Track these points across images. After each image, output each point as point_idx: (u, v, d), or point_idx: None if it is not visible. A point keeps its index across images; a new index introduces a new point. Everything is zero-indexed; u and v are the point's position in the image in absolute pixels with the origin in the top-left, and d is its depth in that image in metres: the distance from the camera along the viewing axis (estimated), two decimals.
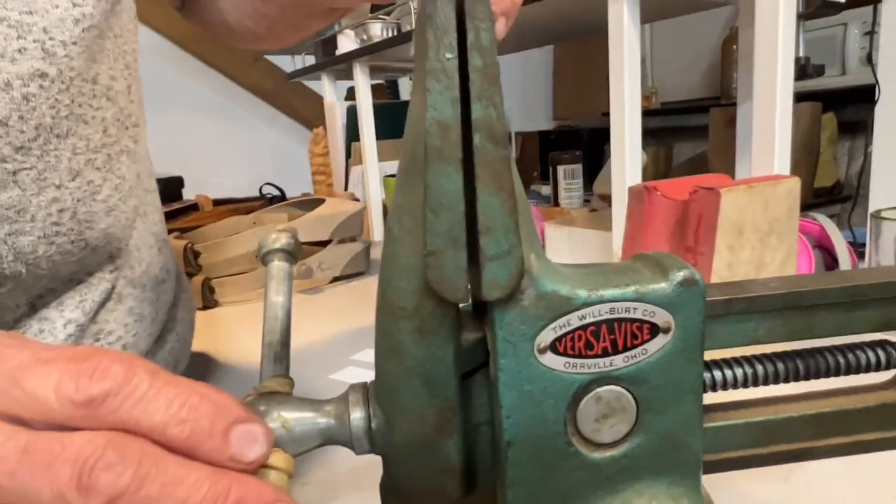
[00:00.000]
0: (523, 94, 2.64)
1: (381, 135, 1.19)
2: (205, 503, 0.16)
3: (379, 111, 1.18)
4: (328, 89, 1.26)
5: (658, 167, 2.00)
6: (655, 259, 0.21)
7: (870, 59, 1.75)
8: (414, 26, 0.24)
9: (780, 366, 0.22)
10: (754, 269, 0.48)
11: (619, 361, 0.20)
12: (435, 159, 0.17)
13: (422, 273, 0.18)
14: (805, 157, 1.66)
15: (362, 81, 1.14)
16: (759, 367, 0.22)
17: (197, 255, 0.82)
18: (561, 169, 0.97)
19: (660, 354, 0.20)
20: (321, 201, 0.93)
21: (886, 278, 0.22)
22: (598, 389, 0.20)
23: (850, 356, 0.22)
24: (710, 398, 0.22)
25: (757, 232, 0.47)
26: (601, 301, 0.19)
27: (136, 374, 0.17)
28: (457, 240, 0.17)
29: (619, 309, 0.20)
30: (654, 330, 0.20)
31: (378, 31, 1.12)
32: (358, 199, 1.17)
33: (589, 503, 0.21)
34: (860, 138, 1.88)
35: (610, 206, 0.70)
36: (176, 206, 1.08)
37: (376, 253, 1.08)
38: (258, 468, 0.19)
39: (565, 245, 0.82)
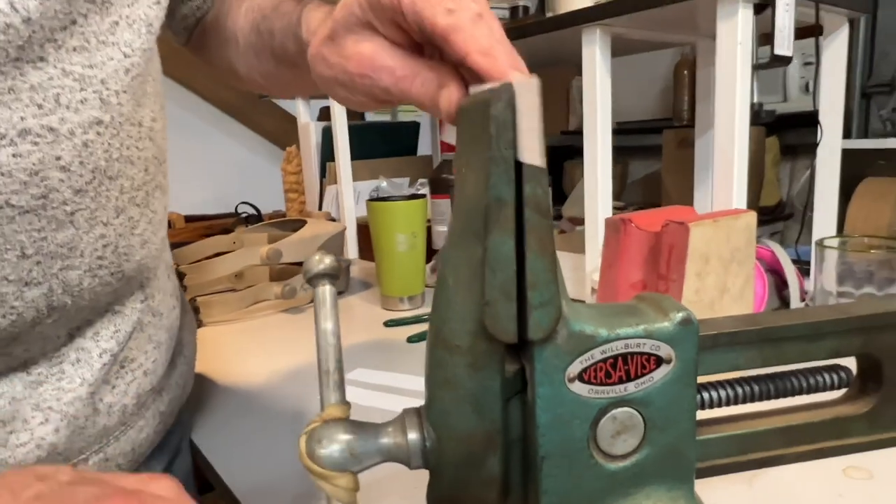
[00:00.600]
0: None
1: (355, 155, 1.22)
2: None
3: (354, 132, 1.21)
4: (302, 109, 1.29)
5: (614, 184, 2.08)
6: (656, 300, 0.26)
7: (807, 88, 1.89)
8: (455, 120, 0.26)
9: (756, 388, 0.27)
10: (718, 294, 0.54)
11: (631, 387, 0.24)
12: (494, 229, 0.21)
13: (476, 317, 0.22)
14: (751, 178, 1.77)
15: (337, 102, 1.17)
16: (740, 389, 0.26)
17: (182, 276, 0.83)
18: None
19: (663, 381, 0.24)
20: (301, 222, 0.96)
21: (838, 315, 0.27)
22: (614, 411, 0.24)
23: (811, 379, 0.27)
24: (700, 415, 0.27)
25: (721, 260, 0.53)
26: (618, 338, 0.24)
27: None
28: (509, 293, 0.21)
29: (631, 344, 0.24)
30: (659, 361, 0.24)
31: None
32: (335, 219, 1.20)
33: None
34: (801, 160, 2.01)
35: (577, 227, 0.75)
36: None
37: (355, 272, 1.10)
38: (328, 487, 0.23)
39: None
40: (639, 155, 2.38)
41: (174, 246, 0.94)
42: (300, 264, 0.92)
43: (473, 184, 0.22)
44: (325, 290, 0.28)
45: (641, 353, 0.24)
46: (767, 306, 0.64)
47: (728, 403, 0.27)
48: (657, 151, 1.90)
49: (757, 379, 0.27)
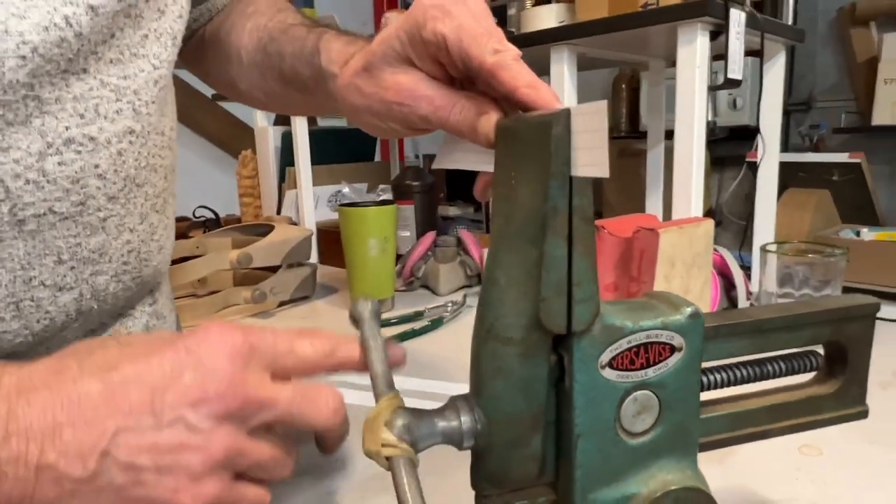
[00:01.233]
0: None
1: (313, 160, 1.23)
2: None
3: (312, 137, 1.21)
4: (259, 113, 1.28)
5: None
6: (665, 297, 0.30)
7: (735, 105, 2.03)
8: (500, 139, 0.30)
9: (748, 371, 0.31)
10: (682, 294, 0.59)
11: (650, 373, 0.28)
12: (550, 234, 0.24)
13: (529, 312, 0.25)
14: None
15: None
16: (736, 373, 0.31)
17: None
18: None
19: (676, 367, 0.28)
20: (268, 227, 0.96)
21: (813, 309, 0.31)
22: (636, 393, 0.28)
23: (792, 363, 0.32)
24: (702, 396, 0.31)
25: (684, 264, 0.58)
26: (641, 329, 0.27)
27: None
28: (561, 290, 0.24)
29: (651, 335, 0.28)
30: (673, 349, 0.28)
31: None
32: (295, 223, 1.20)
33: (629, 476, 0.28)
34: (728, 171, 2.16)
35: None
36: None
37: (319, 277, 1.11)
38: (387, 450, 0.25)
39: None
40: None
41: None
42: (267, 269, 0.93)
43: (529, 194, 0.25)
44: (363, 305, 0.34)
45: (659, 343, 0.28)
46: (719, 306, 0.71)
47: (725, 385, 0.31)
48: None
49: (747, 364, 0.31)
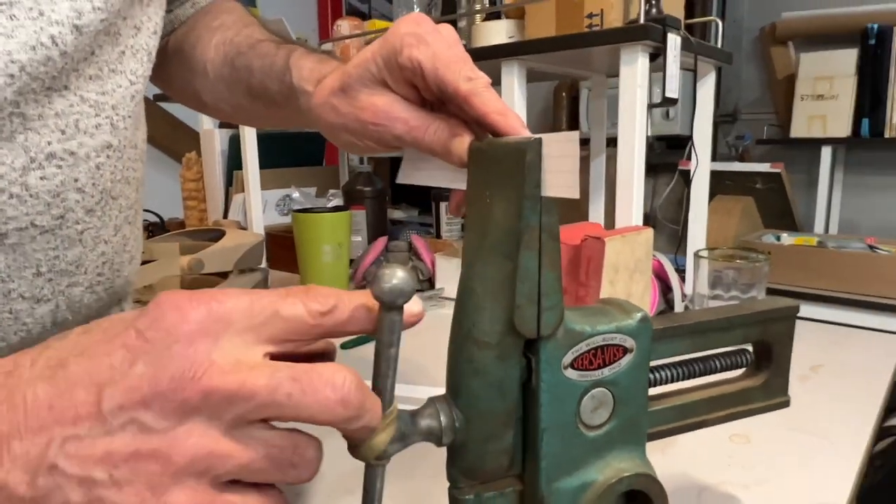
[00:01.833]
0: None
1: (261, 164, 1.22)
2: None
3: (259, 140, 1.21)
4: (205, 116, 1.26)
5: None
6: (618, 303, 0.33)
7: (668, 115, 2.13)
8: (471, 168, 0.30)
9: (689, 368, 0.35)
10: (625, 298, 0.63)
11: (606, 372, 0.31)
12: (524, 248, 0.27)
13: (504, 318, 0.28)
14: None
15: None
16: (678, 370, 0.34)
17: None
18: (443, 204, 1.10)
19: (627, 366, 0.32)
20: (218, 231, 0.95)
21: (745, 311, 0.35)
22: (594, 391, 0.31)
23: (726, 360, 0.36)
24: (650, 391, 0.34)
25: (627, 270, 0.62)
26: (598, 333, 0.30)
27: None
28: (533, 299, 0.27)
29: (608, 338, 0.31)
30: (625, 351, 0.31)
31: None
32: (244, 227, 1.19)
33: (588, 465, 0.31)
34: (661, 178, 2.27)
35: None
36: None
37: (271, 281, 1.10)
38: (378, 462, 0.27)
39: (455, 274, 0.93)
40: None
41: None
42: (218, 275, 0.92)
43: (503, 213, 0.27)
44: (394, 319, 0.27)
45: (614, 345, 0.31)
46: (658, 308, 0.76)
47: (668, 381, 0.35)
48: None
49: (689, 361, 0.35)
